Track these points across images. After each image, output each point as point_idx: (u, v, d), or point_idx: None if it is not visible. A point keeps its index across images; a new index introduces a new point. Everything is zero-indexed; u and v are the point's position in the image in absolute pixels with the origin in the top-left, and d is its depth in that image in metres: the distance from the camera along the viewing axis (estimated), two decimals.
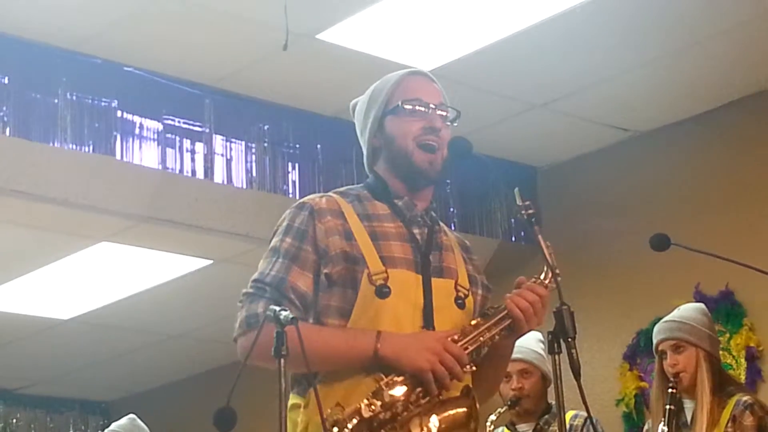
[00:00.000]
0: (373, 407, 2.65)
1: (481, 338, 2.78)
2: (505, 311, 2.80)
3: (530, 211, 2.84)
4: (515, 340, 2.90)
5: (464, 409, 2.72)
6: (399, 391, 2.69)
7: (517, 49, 5.72)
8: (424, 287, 2.84)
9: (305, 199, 2.94)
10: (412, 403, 2.69)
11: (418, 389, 2.70)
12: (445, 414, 2.70)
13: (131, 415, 5.64)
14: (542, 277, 2.87)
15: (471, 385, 2.79)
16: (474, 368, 2.76)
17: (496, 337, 2.80)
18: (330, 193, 2.97)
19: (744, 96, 6.28)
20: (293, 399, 2.81)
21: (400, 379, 2.70)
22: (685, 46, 5.80)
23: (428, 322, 2.81)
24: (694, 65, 5.98)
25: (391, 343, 2.72)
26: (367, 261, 2.80)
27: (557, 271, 2.86)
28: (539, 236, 2.84)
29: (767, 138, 6.23)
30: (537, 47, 5.73)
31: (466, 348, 2.75)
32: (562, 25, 5.52)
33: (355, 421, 2.64)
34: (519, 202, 2.85)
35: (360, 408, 2.65)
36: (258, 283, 2.83)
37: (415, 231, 2.93)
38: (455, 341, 2.75)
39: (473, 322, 2.81)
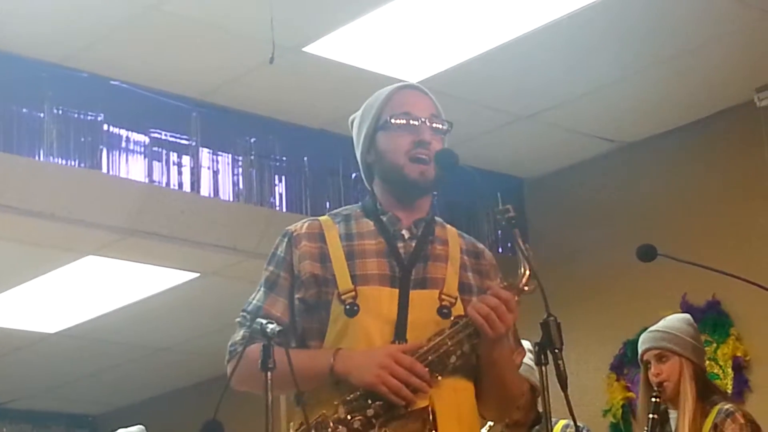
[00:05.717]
0: (326, 424, 2.68)
1: (444, 347, 2.77)
2: (467, 318, 2.80)
3: (510, 215, 2.84)
4: (499, 347, 2.86)
5: (417, 423, 2.72)
6: (356, 406, 2.71)
7: (503, 60, 5.73)
8: (400, 301, 2.85)
9: (290, 226, 3.02)
10: (372, 418, 2.69)
11: (378, 403, 2.71)
12: (401, 427, 2.70)
13: (141, 426, 5.63)
14: (517, 281, 2.86)
15: (475, 400, 2.84)
16: (439, 377, 2.76)
17: (465, 344, 2.79)
18: (320, 217, 3.03)
19: (729, 106, 6.30)
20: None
21: (357, 395, 2.72)
22: (670, 56, 5.81)
23: (400, 336, 2.81)
24: (680, 76, 6.00)
25: (344, 360, 2.76)
26: (338, 282, 2.85)
27: (535, 272, 2.85)
28: (519, 239, 2.85)
29: (753, 148, 6.24)
30: (523, 59, 5.74)
31: (426, 358, 2.75)
32: (548, 37, 5.53)
33: None
34: (500, 206, 2.85)
35: (312, 425, 2.68)
36: (243, 313, 2.97)
37: (399, 245, 2.94)
38: (417, 352, 2.75)
39: (438, 332, 2.81)
